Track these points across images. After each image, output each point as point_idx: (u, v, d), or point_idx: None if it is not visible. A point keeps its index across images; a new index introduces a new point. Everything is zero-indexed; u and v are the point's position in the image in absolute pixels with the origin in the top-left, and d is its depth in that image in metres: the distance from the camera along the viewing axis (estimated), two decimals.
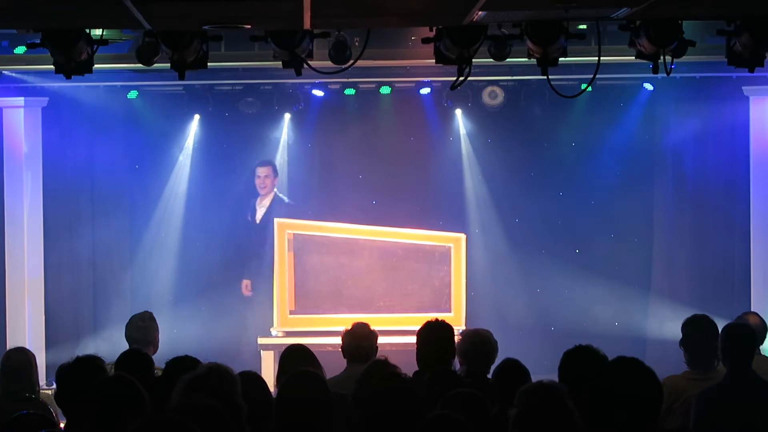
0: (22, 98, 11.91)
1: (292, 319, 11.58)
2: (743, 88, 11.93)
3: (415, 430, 4.80)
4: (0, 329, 11.88)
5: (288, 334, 11.36)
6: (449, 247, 11.66)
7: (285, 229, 11.72)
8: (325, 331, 10.94)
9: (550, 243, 12.92)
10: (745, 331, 7.00)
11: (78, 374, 5.50)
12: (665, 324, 11.80)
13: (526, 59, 7.73)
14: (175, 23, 7.42)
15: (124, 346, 8.13)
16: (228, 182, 13.08)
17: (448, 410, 4.99)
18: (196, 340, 12.15)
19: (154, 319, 8.41)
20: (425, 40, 7.65)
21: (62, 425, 6.00)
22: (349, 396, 5.97)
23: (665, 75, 7.50)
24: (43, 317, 12.16)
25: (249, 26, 7.29)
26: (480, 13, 6.86)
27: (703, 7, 7.26)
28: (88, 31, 7.59)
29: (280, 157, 13.14)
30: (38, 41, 7.48)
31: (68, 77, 7.67)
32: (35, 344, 11.46)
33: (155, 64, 8.20)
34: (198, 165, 13.05)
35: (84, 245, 12.68)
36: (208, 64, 7.80)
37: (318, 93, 12.71)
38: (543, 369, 7.00)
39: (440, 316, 7.41)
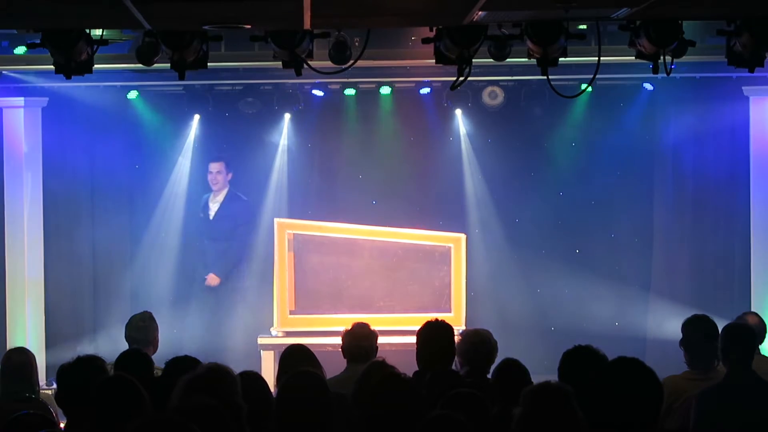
0: (22, 98, 11.90)
1: (292, 319, 11.58)
2: (743, 88, 11.91)
3: (415, 430, 4.80)
4: (0, 329, 11.89)
5: (288, 334, 11.36)
6: (449, 247, 11.66)
7: (285, 229, 11.72)
8: (325, 331, 10.94)
9: (550, 243, 12.91)
10: (745, 331, 7.01)
11: (78, 374, 5.51)
12: (665, 324, 11.78)
13: (526, 59, 7.73)
14: (175, 23, 7.42)
15: (124, 346, 8.13)
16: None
17: (448, 410, 4.99)
18: (196, 340, 12.17)
19: (153, 319, 8.41)
20: (425, 40, 7.66)
21: (62, 425, 6.01)
22: (349, 396, 5.97)
23: (665, 75, 7.50)
24: (43, 317, 12.15)
25: (249, 26, 7.29)
26: (480, 13, 6.86)
27: (703, 7, 7.26)
28: (88, 31, 7.60)
29: (280, 158, 13.13)
30: (38, 41, 7.48)
31: (68, 77, 7.67)
32: (35, 344, 11.46)
33: (155, 64, 8.20)
34: (198, 165, 13.03)
35: (84, 245, 12.67)
36: (208, 64, 7.80)
37: (318, 93, 12.70)
38: (543, 369, 7.02)
39: (440, 316, 7.41)
